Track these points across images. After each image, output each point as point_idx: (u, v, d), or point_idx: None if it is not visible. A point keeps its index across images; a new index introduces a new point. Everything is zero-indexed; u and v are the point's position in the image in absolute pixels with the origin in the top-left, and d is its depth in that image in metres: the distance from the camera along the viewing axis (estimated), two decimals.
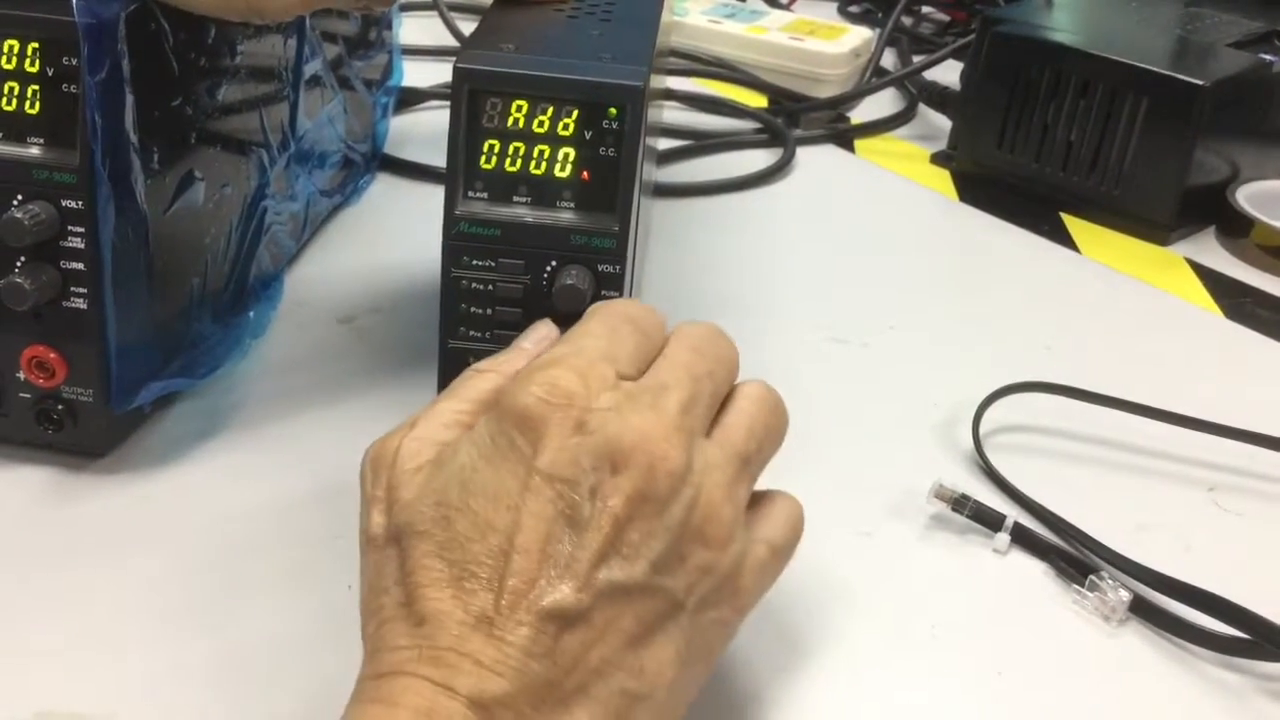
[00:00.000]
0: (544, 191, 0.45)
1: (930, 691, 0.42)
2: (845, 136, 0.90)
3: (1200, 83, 0.73)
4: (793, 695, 0.41)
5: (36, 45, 0.43)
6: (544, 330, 0.41)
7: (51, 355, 0.46)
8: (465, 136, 0.45)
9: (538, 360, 0.36)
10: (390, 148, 0.78)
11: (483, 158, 0.45)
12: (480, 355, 0.46)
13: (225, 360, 0.53)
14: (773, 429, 0.38)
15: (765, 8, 1.10)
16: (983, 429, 0.54)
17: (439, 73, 0.86)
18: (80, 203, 0.44)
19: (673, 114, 0.91)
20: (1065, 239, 0.77)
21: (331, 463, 0.49)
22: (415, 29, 0.98)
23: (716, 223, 0.75)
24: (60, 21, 0.42)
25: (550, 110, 0.45)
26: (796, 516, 0.38)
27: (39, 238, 0.44)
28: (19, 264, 0.45)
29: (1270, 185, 0.79)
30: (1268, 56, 0.79)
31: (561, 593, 0.31)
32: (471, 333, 0.47)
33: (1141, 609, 0.45)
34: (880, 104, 0.96)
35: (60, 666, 0.40)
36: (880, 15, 1.14)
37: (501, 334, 0.46)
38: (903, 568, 0.47)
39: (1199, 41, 0.82)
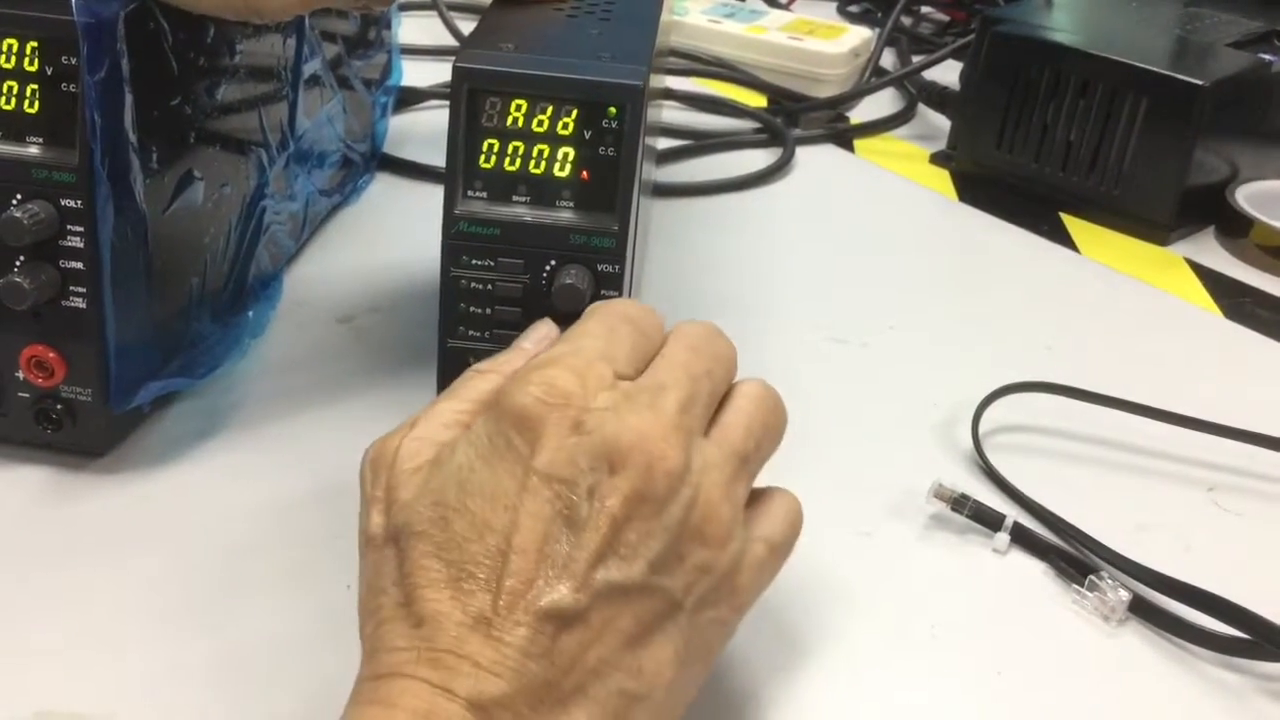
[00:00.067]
0: (543, 191, 0.45)
1: (930, 691, 0.42)
2: (845, 136, 0.90)
3: (1200, 83, 0.73)
4: (792, 695, 0.41)
5: (36, 44, 0.43)
6: (544, 330, 0.41)
7: (50, 355, 0.46)
8: (464, 136, 0.45)
9: (535, 360, 0.36)
10: (389, 147, 0.78)
11: (482, 157, 0.45)
12: (480, 354, 0.46)
13: (224, 360, 0.53)
14: (771, 427, 0.38)
15: (765, 7, 1.11)
16: (982, 429, 0.54)
17: (438, 72, 0.86)
18: (79, 202, 0.44)
19: (672, 114, 0.91)
20: (1065, 239, 0.77)
21: (331, 462, 0.49)
22: (414, 28, 0.98)
23: (716, 222, 0.75)
24: (59, 21, 0.42)
25: (550, 109, 0.45)
26: (795, 513, 0.38)
27: (38, 237, 0.44)
28: (18, 263, 0.45)
29: (1270, 185, 0.79)
30: (1267, 56, 0.79)
31: (559, 593, 0.31)
32: (471, 332, 0.47)
33: (1141, 609, 0.45)
34: (880, 104, 0.96)
35: (60, 666, 0.40)
36: (879, 15, 1.14)
37: (501, 333, 0.46)
38: (902, 567, 0.47)
39: (1198, 41, 0.82)
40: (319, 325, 0.60)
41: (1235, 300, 0.71)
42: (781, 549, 0.37)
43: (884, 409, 0.57)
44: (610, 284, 0.45)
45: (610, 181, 0.45)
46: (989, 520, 0.48)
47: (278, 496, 0.48)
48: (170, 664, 0.40)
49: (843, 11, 1.17)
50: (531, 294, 0.46)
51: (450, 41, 0.97)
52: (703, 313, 0.43)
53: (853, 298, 0.67)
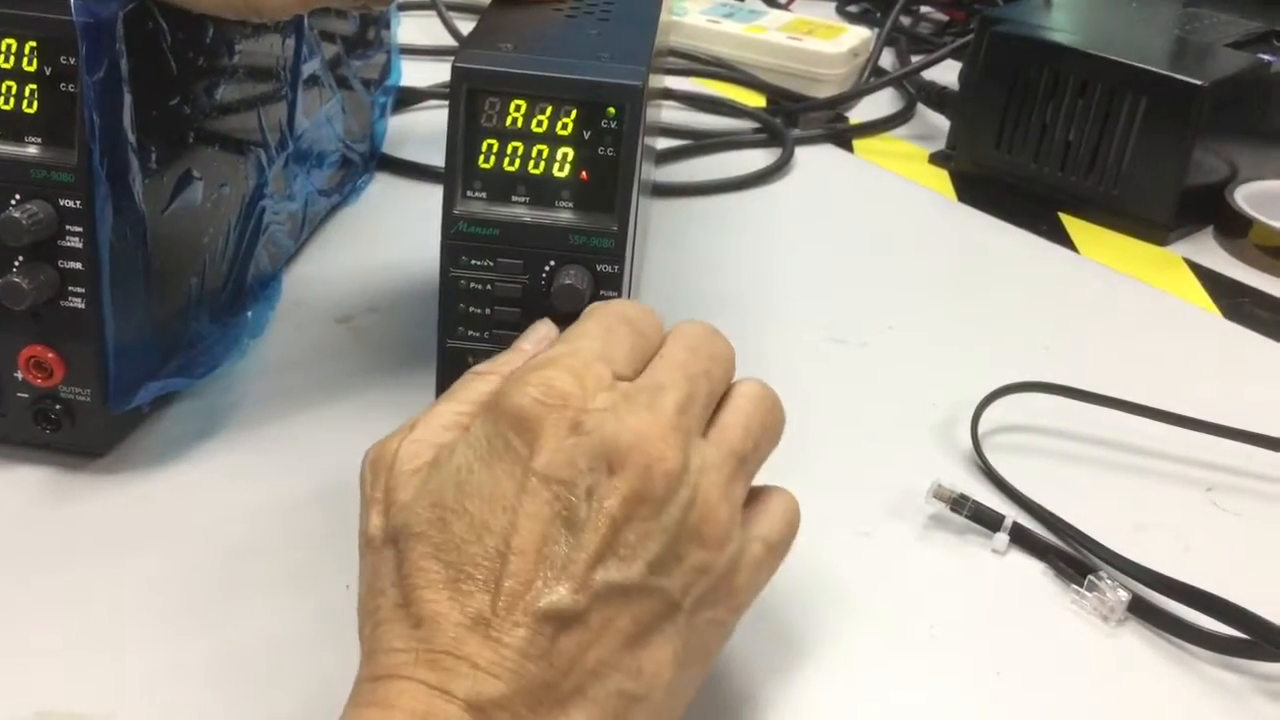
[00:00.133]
0: (542, 191, 0.45)
1: (929, 692, 0.42)
2: (844, 136, 0.90)
3: (1199, 83, 0.73)
4: (790, 696, 0.41)
5: (34, 44, 0.43)
6: (544, 330, 0.41)
7: (49, 355, 0.46)
8: (464, 136, 0.45)
9: (533, 361, 0.36)
10: (388, 147, 0.78)
11: (481, 157, 0.45)
12: (479, 355, 0.46)
13: (223, 360, 0.53)
14: (769, 427, 0.38)
15: (764, 7, 1.11)
16: (981, 429, 0.54)
17: (437, 72, 0.86)
18: (78, 202, 0.44)
19: (671, 113, 0.91)
20: (1064, 239, 0.77)
21: (330, 462, 0.49)
22: (413, 28, 0.98)
23: (715, 222, 0.75)
24: (58, 20, 0.42)
25: (549, 110, 0.45)
26: (792, 512, 0.38)
27: (37, 237, 0.44)
28: (17, 263, 0.45)
29: (1269, 185, 0.79)
30: (1266, 56, 0.79)
31: (558, 594, 0.31)
32: (470, 332, 0.47)
33: (1140, 609, 0.45)
34: (879, 104, 0.96)
35: (59, 666, 0.40)
36: (879, 15, 1.14)
37: (500, 334, 0.46)
38: (901, 568, 0.47)
39: (1197, 41, 0.82)
40: (318, 325, 0.60)
41: (1234, 300, 0.71)
42: (779, 548, 0.37)
43: (883, 409, 0.57)
44: (609, 284, 0.45)
45: (609, 182, 0.45)
46: (988, 520, 0.48)
47: (277, 497, 0.48)
48: (170, 664, 0.40)
49: (842, 11, 1.17)
50: (531, 294, 0.46)
51: (449, 41, 0.97)
52: (702, 313, 0.43)
53: (852, 298, 0.67)
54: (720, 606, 0.35)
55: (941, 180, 0.84)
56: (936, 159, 0.87)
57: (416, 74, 0.86)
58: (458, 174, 0.45)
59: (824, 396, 0.57)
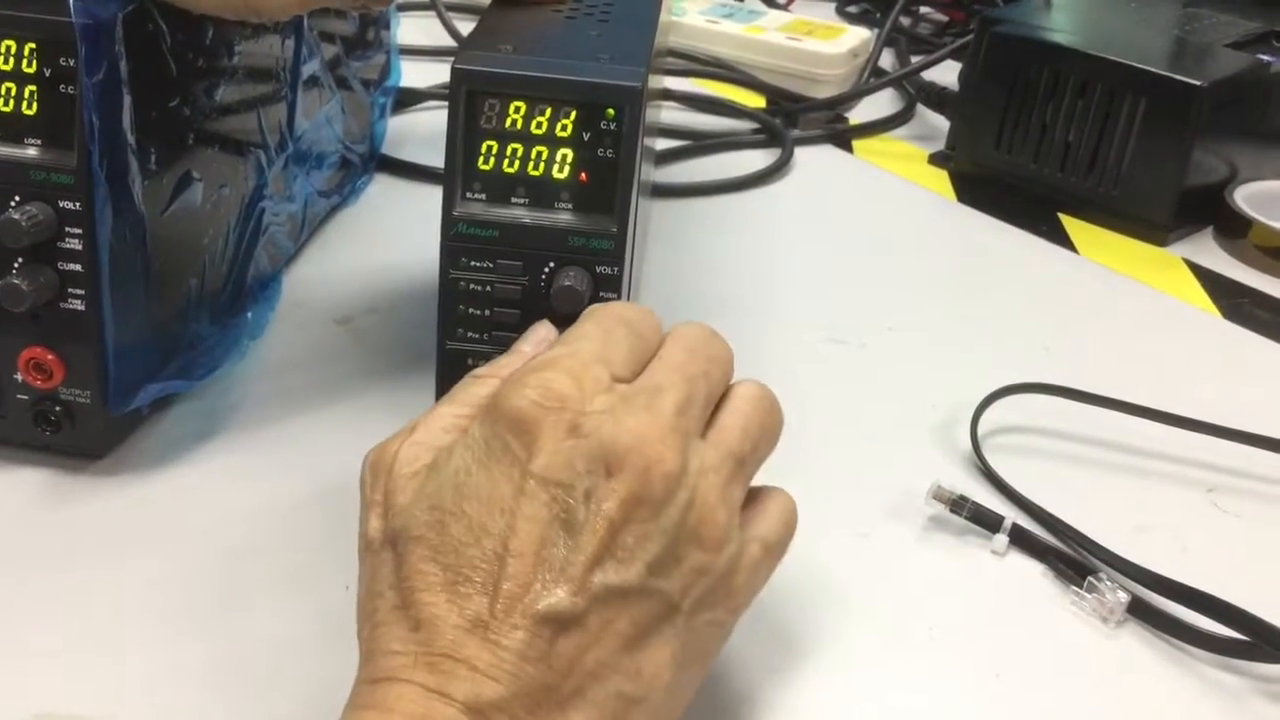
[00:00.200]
0: (542, 192, 0.45)
1: (928, 693, 0.42)
2: (843, 137, 0.90)
3: (1198, 83, 0.73)
4: (789, 697, 0.41)
5: (34, 46, 0.43)
6: (543, 332, 0.41)
7: (49, 357, 0.46)
8: (463, 137, 0.45)
9: (531, 363, 0.36)
10: (388, 148, 0.78)
11: (481, 158, 0.45)
12: (478, 356, 0.46)
13: (223, 361, 0.53)
14: (768, 428, 0.38)
15: (763, 8, 1.10)
16: (981, 430, 0.54)
17: (437, 73, 0.86)
18: (78, 204, 0.44)
19: (671, 114, 0.91)
20: (1063, 239, 0.77)
21: (329, 464, 0.49)
22: (413, 29, 0.98)
23: (714, 223, 0.75)
24: (58, 22, 0.42)
25: (548, 111, 0.45)
26: (790, 512, 0.38)
27: (36, 239, 0.44)
28: (16, 265, 0.45)
29: (1268, 186, 0.79)
30: (1265, 57, 0.79)
31: (556, 596, 0.31)
32: (469, 334, 0.47)
33: (1140, 610, 0.45)
34: (878, 104, 0.96)
35: (58, 668, 0.40)
36: (878, 15, 1.14)
37: (499, 335, 0.46)
38: (901, 569, 0.47)
39: (1197, 42, 0.82)
40: (318, 327, 0.60)
41: (1234, 301, 0.71)
42: (777, 549, 0.37)
43: (882, 410, 0.57)
44: (609, 286, 0.45)
45: (609, 183, 0.45)
46: (987, 522, 0.48)
47: (276, 498, 0.48)
48: (169, 666, 0.40)
49: (841, 12, 1.17)
50: (530, 296, 0.46)
51: (449, 42, 0.97)
52: (701, 313, 0.43)
53: (851, 298, 0.67)
54: (719, 608, 0.35)
55: (941, 181, 0.84)
56: (936, 159, 0.87)
57: (416, 75, 0.86)
58: (457, 175, 0.45)
59: (823, 397, 0.57)
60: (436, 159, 0.54)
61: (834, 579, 0.46)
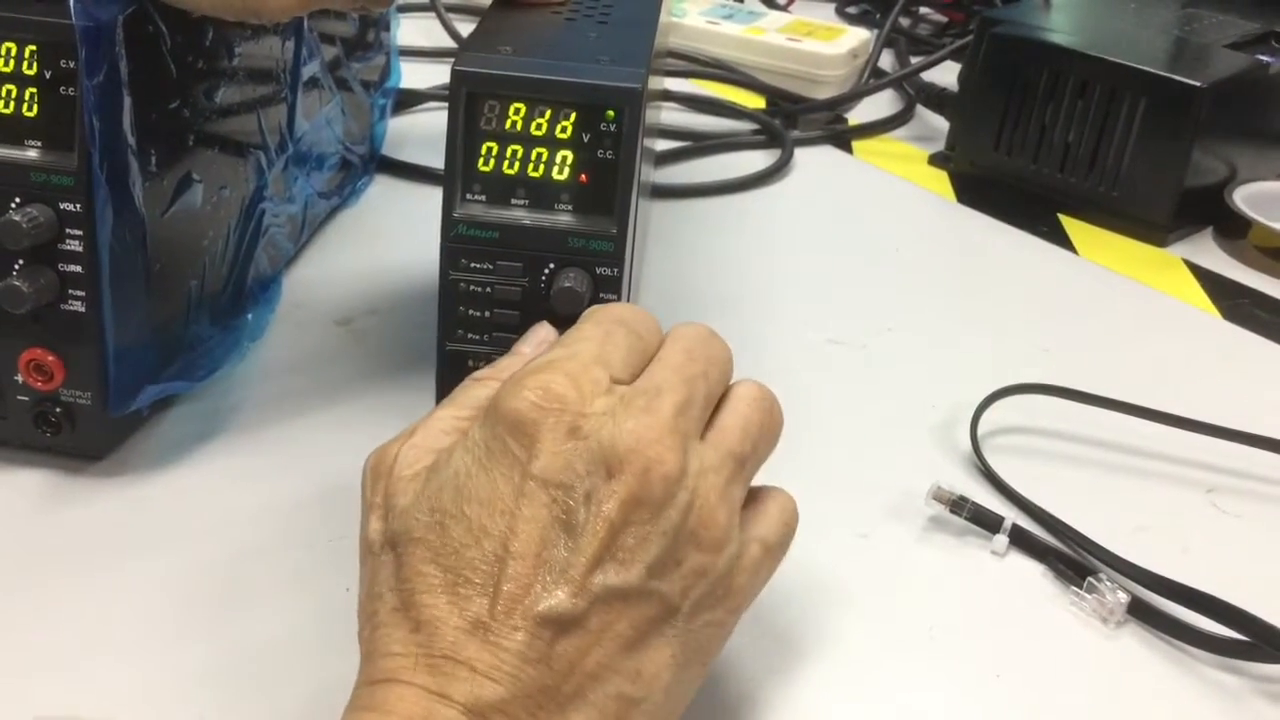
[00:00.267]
0: (542, 194, 0.45)
1: (928, 694, 0.42)
2: (843, 138, 0.90)
3: (1197, 84, 0.73)
4: (789, 697, 0.41)
5: (34, 48, 0.43)
6: (543, 333, 0.42)
7: (50, 358, 0.46)
8: (463, 139, 0.45)
9: (530, 364, 0.36)
10: (388, 149, 0.78)
11: (481, 160, 0.45)
12: (478, 357, 0.46)
13: (223, 363, 0.53)
14: (767, 429, 0.38)
15: (763, 9, 1.11)
16: (981, 430, 0.54)
17: (437, 74, 0.86)
18: (78, 205, 0.44)
19: (671, 115, 0.91)
20: (1063, 240, 0.77)
21: (330, 465, 0.49)
22: (413, 30, 0.98)
23: (714, 224, 0.75)
24: (58, 24, 0.42)
25: (548, 113, 0.45)
26: (790, 512, 0.38)
27: (37, 241, 0.44)
28: (17, 267, 0.45)
29: (1268, 186, 0.79)
30: (1265, 58, 0.79)
31: (557, 598, 0.31)
32: (469, 335, 0.47)
33: (1140, 611, 0.45)
34: (878, 105, 0.96)
35: (58, 670, 0.40)
36: (878, 16, 1.14)
37: (499, 336, 0.46)
38: (901, 569, 0.47)
39: (1196, 42, 0.82)
40: (318, 328, 0.60)
41: (1233, 301, 0.71)
42: (777, 549, 0.37)
43: (882, 410, 0.57)
44: (609, 287, 0.45)
45: (609, 184, 0.45)
46: (987, 522, 0.48)
47: (277, 499, 0.48)
48: (169, 667, 0.40)
49: (841, 13, 1.17)
50: (530, 297, 0.46)
51: (449, 43, 0.97)
52: (701, 314, 0.43)
53: (851, 299, 0.67)
54: (719, 608, 0.35)
55: (941, 181, 0.85)
56: (936, 160, 0.87)
57: (416, 76, 0.86)
58: (457, 176, 0.45)
59: (823, 398, 0.57)
60: (436, 160, 0.54)
61: (834, 579, 0.46)
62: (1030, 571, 0.48)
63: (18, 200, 0.44)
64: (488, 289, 0.46)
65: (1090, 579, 0.46)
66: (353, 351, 0.59)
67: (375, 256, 0.67)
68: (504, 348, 0.42)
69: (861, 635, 0.44)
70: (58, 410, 0.47)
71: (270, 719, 0.39)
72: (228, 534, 0.46)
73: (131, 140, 0.44)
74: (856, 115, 0.95)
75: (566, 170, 0.45)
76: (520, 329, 0.43)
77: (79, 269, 0.45)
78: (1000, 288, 0.71)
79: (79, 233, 0.44)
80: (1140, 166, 0.76)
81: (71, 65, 0.43)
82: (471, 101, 0.45)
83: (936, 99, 0.91)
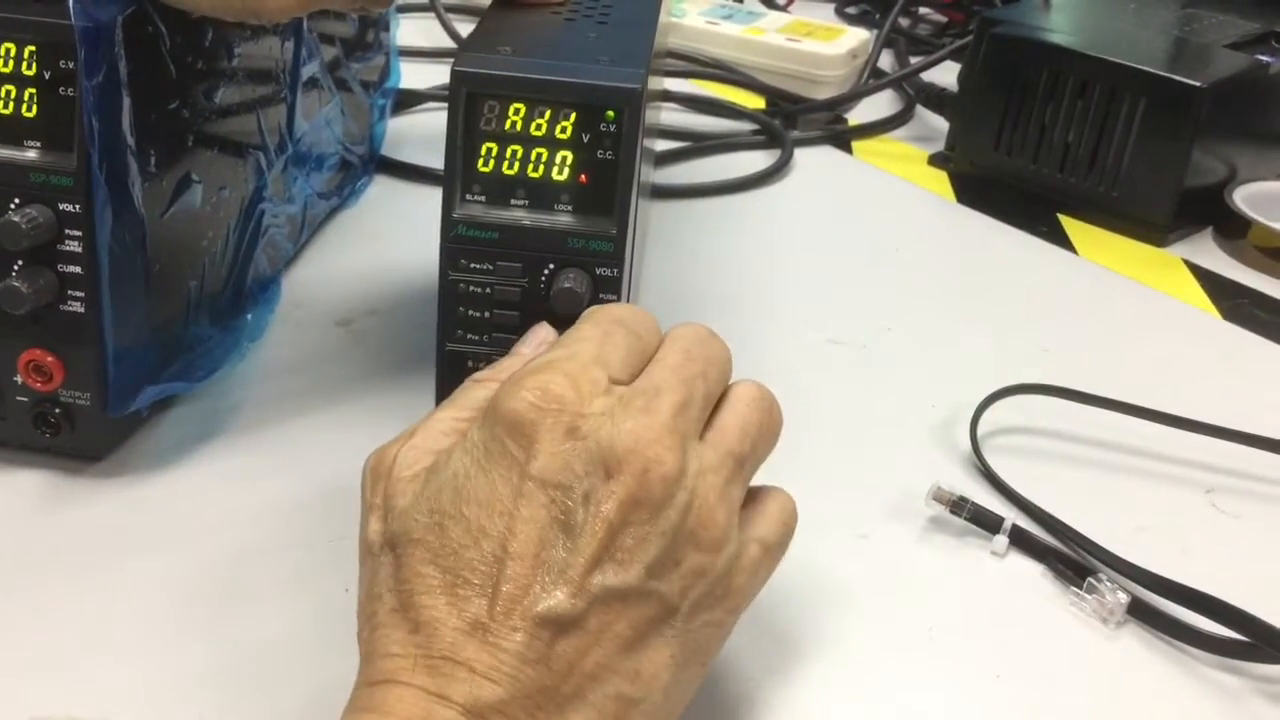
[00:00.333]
0: (542, 194, 0.45)
1: (928, 694, 0.42)
2: (843, 138, 0.90)
3: (1197, 84, 0.73)
4: (789, 698, 0.41)
5: (33, 48, 0.43)
6: (543, 334, 0.41)
7: (49, 359, 0.46)
8: (463, 139, 0.45)
9: (529, 365, 0.36)
10: (388, 150, 0.78)
11: (480, 160, 0.45)
12: (478, 358, 0.46)
13: (223, 363, 0.53)
14: (766, 429, 0.38)
15: (762, 9, 1.11)
16: (981, 431, 0.54)
17: (436, 74, 0.86)
18: (77, 206, 0.44)
19: (670, 115, 0.91)
20: (1063, 240, 0.77)
21: (329, 465, 0.49)
22: (412, 30, 0.98)
23: (714, 224, 0.75)
24: (57, 25, 0.42)
25: (548, 113, 0.45)
26: (789, 512, 0.38)
27: (36, 241, 0.44)
28: (16, 268, 0.45)
29: (1268, 186, 0.79)
30: (1265, 58, 0.79)
31: (556, 598, 0.31)
32: (469, 336, 0.47)
33: (1139, 611, 0.45)
34: (878, 105, 0.96)
35: (57, 671, 0.40)
36: (878, 16, 1.14)
37: (499, 337, 0.46)
38: (900, 570, 0.47)
39: (1196, 43, 0.82)
40: (317, 328, 0.60)
41: (1233, 301, 0.71)
42: (776, 549, 0.37)
43: (882, 410, 0.57)
44: (608, 288, 0.45)
45: (609, 185, 0.45)
46: (987, 522, 0.48)
47: (277, 500, 0.48)
48: (169, 668, 0.40)
49: (840, 13, 1.17)
50: (530, 298, 0.46)
51: (448, 44, 0.97)
52: (701, 314, 0.43)
53: (851, 299, 0.67)
54: (718, 609, 0.35)
55: (940, 181, 0.85)
56: (935, 160, 0.87)
57: (415, 76, 0.86)
58: (457, 177, 0.45)
59: (823, 398, 0.57)
60: (436, 160, 0.54)
61: (834, 579, 0.46)
62: (1030, 572, 0.48)
63: (17, 201, 0.44)
64: (487, 289, 0.46)
65: (1090, 579, 0.46)
66: (352, 352, 0.59)
67: (375, 257, 0.67)
68: (503, 348, 0.42)
69: (861, 636, 0.44)
70: (57, 411, 0.47)
71: (270, 719, 0.39)
72: (227, 534, 0.46)
73: (131, 141, 0.44)
74: (856, 115, 0.95)
75: (566, 171, 0.45)
76: (520, 329, 0.43)
77: (78, 270, 0.45)
78: (1000, 288, 0.71)
79: (78, 233, 0.44)
80: (1140, 166, 0.76)
81: (71, 66, 0.43)
82: (471, 102, 0.45)
83: (936, 99, 0.91)
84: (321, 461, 0.50)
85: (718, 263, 0.70)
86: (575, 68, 0.45)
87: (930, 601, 0.46)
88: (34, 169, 0.44)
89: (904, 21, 1.12)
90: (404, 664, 0.31)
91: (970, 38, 0.85)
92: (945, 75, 0.93)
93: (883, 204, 0.81)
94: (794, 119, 0.91)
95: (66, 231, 0.44)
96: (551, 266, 0.45)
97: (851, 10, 1.18)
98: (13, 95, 0.44)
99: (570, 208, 0.45)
